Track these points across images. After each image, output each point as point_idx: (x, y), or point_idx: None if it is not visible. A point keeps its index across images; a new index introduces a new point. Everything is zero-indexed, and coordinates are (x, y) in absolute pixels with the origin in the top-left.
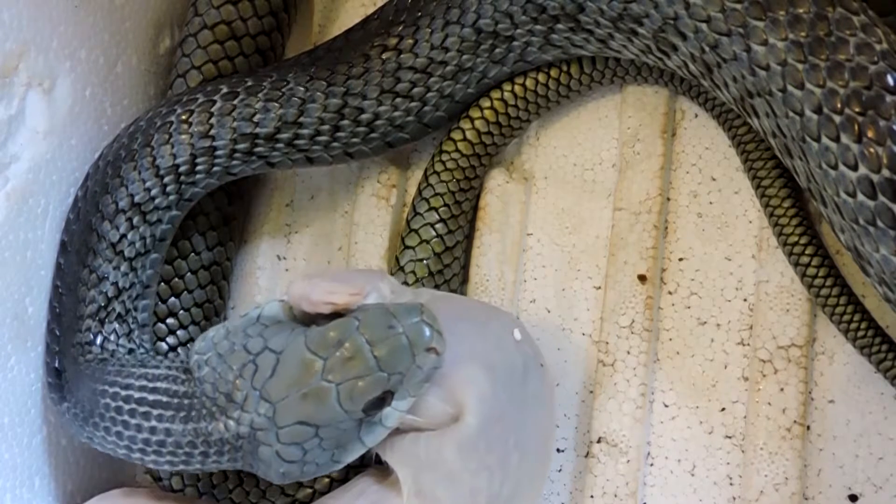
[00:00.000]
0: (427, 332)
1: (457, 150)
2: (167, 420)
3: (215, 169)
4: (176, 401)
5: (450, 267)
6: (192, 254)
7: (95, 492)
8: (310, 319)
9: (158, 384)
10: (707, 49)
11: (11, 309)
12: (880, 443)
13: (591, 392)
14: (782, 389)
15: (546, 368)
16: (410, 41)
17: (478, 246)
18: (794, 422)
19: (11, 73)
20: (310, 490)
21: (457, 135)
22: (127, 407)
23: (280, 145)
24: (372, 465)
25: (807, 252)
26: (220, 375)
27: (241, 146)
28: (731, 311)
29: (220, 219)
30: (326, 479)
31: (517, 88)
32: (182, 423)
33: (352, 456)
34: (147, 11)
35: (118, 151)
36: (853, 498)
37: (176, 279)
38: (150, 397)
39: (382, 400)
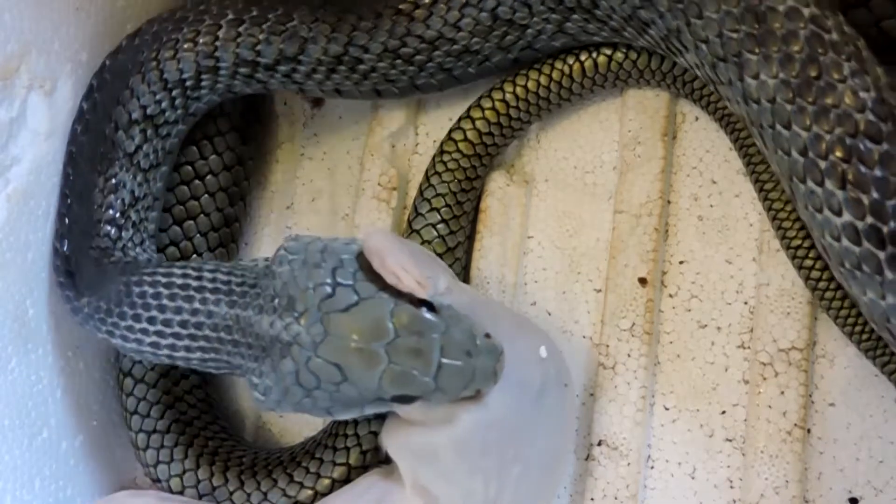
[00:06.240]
0: (491, 378)
1: (458, 151)
2: (212, 303)
3: (218, 86)
4: (224, 287)
5: (451, 267)
6: (195, 255)
7: (95, 495)
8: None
9: (205, 274)
10: (707, 66)
11: (12, 311)
12: (881, 446)
13: (592, 395)
14: (783, 392)
15: (570, 389)
16: (425, 12)
17: (478, 248)
18: (795, 425)
19: (13, 75)
20: (311, 491)
21: (457, 135)
22: (167, 292)
23: (278, 75)
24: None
25: (810, 255)
26: (296, 279)
27: (242, 70)
28: (731, 314)
29: (222, 220)
30: (328, 481)
31: (518, 90)
32: (227, 306)
33: (346, 416)
34: (148, 13)
35: (125, 64)
36: (853, 501)
37: None
38: (196, 283)
39: (411, 399)
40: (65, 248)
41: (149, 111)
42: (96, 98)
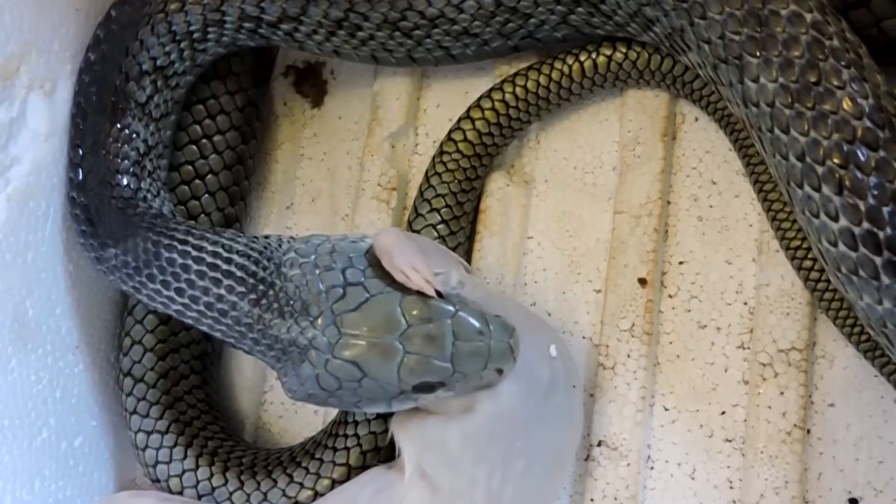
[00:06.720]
0: (508, 355)
1: (457, 151)
2: (237, 295)
3: (224, 39)
4: (251, 281)
5: None
6: None
7: (95, 495)
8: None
9: (235, 257)
10: (708, 66)
11: (12, 311)
12: (880, 446)
13: (592, 395)
14: (782, 393)
15: (578, 391)
16: None
17: (478, 249)
18: (795, 425)
19: (13, 76)
20: (310, 491)
21: (457, 135)
22: (196, 268)
23: (280, 33)
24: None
25: (809, 256)
26: (308, 284)
27: (246, 25)
28: (731, 315)
29: (222, 220)
30: (327, 481)
31: (518, 90)
32: (250, 304)
33: (373, 410)
34: None
35: (131, 15)
36: (853, 501)
37: None
38: (225, 266)
39: (433, 387)
40: (83, 198)
41: (159, 62)
42: (104, 49)
